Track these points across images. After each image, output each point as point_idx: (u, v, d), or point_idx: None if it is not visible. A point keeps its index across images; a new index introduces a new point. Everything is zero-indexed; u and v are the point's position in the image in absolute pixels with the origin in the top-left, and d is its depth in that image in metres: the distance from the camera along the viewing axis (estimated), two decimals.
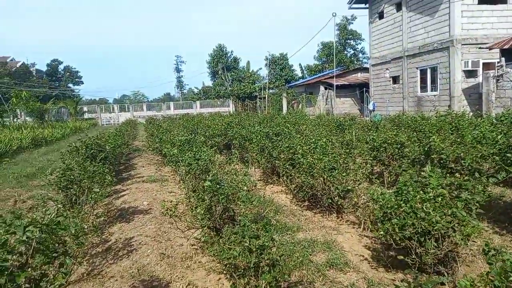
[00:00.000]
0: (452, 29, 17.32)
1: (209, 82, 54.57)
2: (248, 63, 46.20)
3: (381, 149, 7.14)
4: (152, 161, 11.41)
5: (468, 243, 3.49)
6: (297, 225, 5.11)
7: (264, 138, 8.10)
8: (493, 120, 9.01)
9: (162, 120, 21.71)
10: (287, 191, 7.00)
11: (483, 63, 16.85)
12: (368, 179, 6.98)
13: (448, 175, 4.33)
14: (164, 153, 8.01)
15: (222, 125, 11.67)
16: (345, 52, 42.57)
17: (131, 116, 40.16)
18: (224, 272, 3.26)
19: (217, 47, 53.88)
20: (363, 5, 25.23)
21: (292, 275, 3.54)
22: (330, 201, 5.43)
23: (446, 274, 3.47)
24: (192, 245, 4.50)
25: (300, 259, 3.27)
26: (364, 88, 27.89)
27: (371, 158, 7.44)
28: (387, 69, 22.97)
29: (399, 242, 3.39)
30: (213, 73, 53.69)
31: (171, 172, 9.14)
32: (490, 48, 15.90)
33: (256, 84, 42.47)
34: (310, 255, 4.07)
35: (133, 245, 4.67)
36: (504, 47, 14.95)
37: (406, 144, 6.96)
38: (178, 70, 68.73)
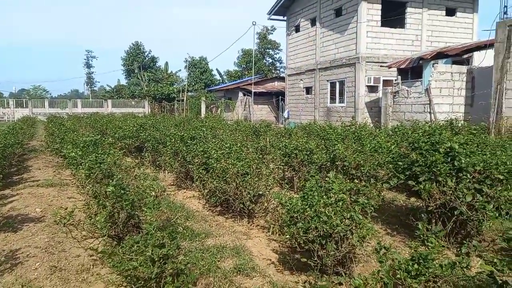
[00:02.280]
0: (358, 47, 18.97)
1: (123, 81, 51.75)
2: (167, 63, 44.95)
3: (292, 155, 7.43)
4: (51, 163, 10.31)
5: (364, 244, 3.76)
6: (207, 231, 5.02)
7: (178, 142, 7.86)
8: (389, 131, 10.03)
9: (66, 119, 19.87)
10: (200, 196, 6.88)
11: (383, 80, 18.76)
12: (279, 184, 7.21)
13: (349, 180, 4.66)
14: (64, 155, 7.29)
15: (134, 126, 11.07)
16: (264, 60, 43.89)
17: (30, 112, 36.09)
18: (124, 284, 3.03)
19: (133, 44, 51.50)
20: (281, 17, 26.32)
21: (198, 284, 3.43)
22: (242, 206, 5.45)
23: (344, 274, 3.70)
24: (90, 256, 4.12)
25: (207, 266, 3.19)
26: (280, 97, 29.04)
27: (283, 164, 7.71)
28: (301, 80, 24.22)
29: (303, 245, 3.51)
30: (128, 71, 51.08)
31: (71, 176, 8.36)
32: (389, 67, 17.78)
33: (174, 86, 41.42)
34: (219, 261, 4.01)
35: (19, 258, 4.11)
36: (401, 67, 16.83)
37: (315, 151, 7.34)
38: (88, 65, 63.92)
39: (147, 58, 51.85)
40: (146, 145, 9.58)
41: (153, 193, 3.88)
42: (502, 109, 11.72)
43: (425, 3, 19.67)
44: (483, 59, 14.45)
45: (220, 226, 5.41)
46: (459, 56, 15.38)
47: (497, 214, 4.02)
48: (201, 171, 6.17)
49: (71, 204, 5.88)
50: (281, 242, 4.67)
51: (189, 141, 7.70)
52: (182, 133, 8.04)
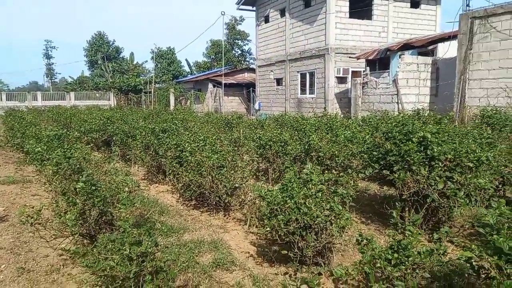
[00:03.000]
0: (327, 39, 19.15)
1: (87, 73, 49.72)
2: (132, 54, 43.48)
3: (267, 146, 7.40)
4: (11, 159, 9.73)
5: (343, 234, 3.79)
6: (183, 226, 4.90)
7: (149, 135, 7.62)
8: (359, 122, 10.22)
9: (27, 112, 18.83)
10: (173, 190, 6.72)
11: (352, 71, 19.07)
12: (254, 176, 7.16)
13: (325, 171, 4.67)
14: (27, 150, 6.87)
15: (101, 119, 10.64)
16: (233, 51, 43.45)
17: None
18: (99, 284, 2.88)
19: (96, 34, 49.54)
20: (250, 8, 26.07)
21: (177, 280, 3.34)
22: (218, 199, 5.37)
23: (323, 264, 3.71)
24: (60, 256, 3.91)
25: (186, 262, 3.10)
26: (251, 88, 28.92)
27: (258, 156, 7.66)
28: (271, 71, 24.20)
29: (283, 237, 3.48)
30: (91, 62, 49.15)
31: (35, 172, 7.91)
32: (357, 58, 18.08)
33: (141, 77, 40.22)
34: (197, 256, 3.93)
35: None
36: (369, 58, 17.17)
37: (289, 142, 7.35)
38: (48, 56, 60.74)
39: (111, 49, 50.01)
40: (114, 138, 9.24)
41: (126, 189, 3.71)
42: (465, 99, 12.23)
43: None
44: (447, 50, 14.99)
45: (196, 220, 5.31)
46: (424, 47, 15.88)
47: (467, 201, 4.17)
48: (174, 164, 6.01)
49: (36, 202, 5.57)
50: (259, 235, 4.64)
51: (160, 134, 7.48)
52: (153, 126, 7.80)
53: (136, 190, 4.14)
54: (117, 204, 3.63)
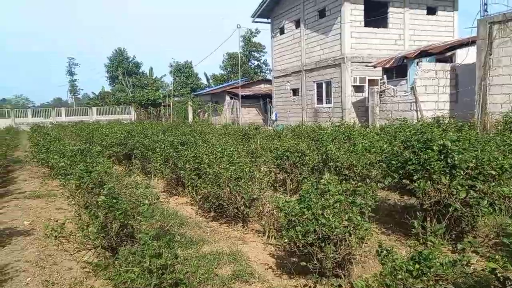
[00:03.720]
0: (343, 48, 19.12)
1: (108, 88, 51.09)
2: (151, 69, 44.57)
3: (284, 157, 7.40)
4: (36, 174, 10.06)
5: (362, 245, 3.74)
6: (202, 238, 4.94)
7: (168, 148, 7.75)
8: (378, 130, 10.10)
9: (51, 128, 19.46)
10: (192, 202, 6.78)
11: (369, 80, 18.94)
12: (272, 187, 7.16)
13: (343, 181, 4.64)
14: (51, 165, 7.10)
15: (121, 133, 10.89)
16: (249, 63, 43.92)
17: (12, 123, 35.28)
18: None
19: (116, 51, 50.96)
20: (265, 20, 26.37)
21: None
22: (236, 210, 5.39)
23: (343, 276, 3.67)
24: (83, 269, 3.99)
25: (205, 274, 3.12)
26: (268, 99, 29.06)
27: (275, 166, 7.67)
28: (288, 81, 24.29)
29: (302, 248, 3.47)
30: (112, 78, 50.52)
31: (59, 186, 8.15)
32: (374, 67, 17.95)
33: (160, 91, 41.07)
34: (216, 268, 3.94)
35: (9, 273, 3.96)
36: (386, 66, 17.02)
37: (306, 152, 7.33)
38: (71, 73, 62.76)
39: (131, 64, 51.32)
40: (135, 152, 9.43)
41: (147, 201, 3.79)
42: (486, 105, 11.94)
43: (406, 2, 19.96)
44: (465, 56, 14.72)
45: (215, 232, 5.34)
46: (442, 54, 15.64)
47: (491, 210, 4.06)
48: (193, 176, 6.09)
49: (60, 216, 5.74)
50: (278, 246, 4.62)
51: (179, 147, 7.60)
52: (172, 139, 7.93)
53: (156, 202, 4.21)
54: (137, 217, 3.70)
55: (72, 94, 65.08)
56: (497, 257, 2.55)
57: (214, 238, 5.02)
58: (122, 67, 48.50)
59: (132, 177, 5.40)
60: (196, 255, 4.24)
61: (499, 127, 8.90)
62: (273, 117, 25.61)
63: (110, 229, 3.72)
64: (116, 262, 2.81)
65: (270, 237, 4.91)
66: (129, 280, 2.61)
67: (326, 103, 20.88)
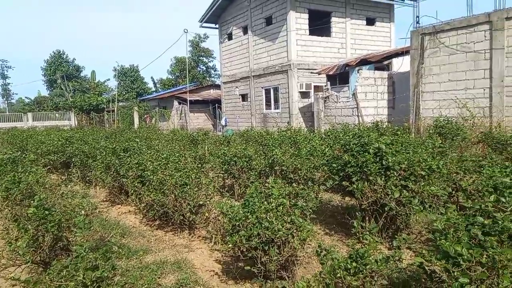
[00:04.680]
0: (289, 55, 19.64)
1: (45, 93, 47.91)
2: (94, 72, 42.45)
3: (232, 162, 7.41)
4: None
5: (305, 247, 3.84)
6: (146, 247, 4.78)
7: (110, 155, 7.42)
8: (322, 135, 10.48)
9: None
10: (136, 211, 6.54)
11: (315, 86, 19.61)
12: (220, 192, 7.13)
13: (288, 184, 4.75)
14: None
15: (59, 140, 10.24)
16: (198, 68, 43.52)
17: None
18: None
19: (55, 53, 48.05)
20: (213, 25, 26.34)
21: None
22: (182, 217, 5.29)
23: (287, 277, 3.74)
24: (13, 286, 3.68)
25: (146, 285, 3.02)
26: (217, 104, 28.97)
27: (223, 172, 7.65)
28: (236, 87, 24.41)
29: (246, 252, 3.48)
30: (50, 82, 47.50)
31: None
32: (319, 73, 18.63)
33: (103, 96, 39.27)
34: (159, 278, 3.83)
35: None
36: (329, 73, 17.74)
37: (254, 157, 7.40)
38: (3, 76, 58.09)
39: (71, 67, 48.62)
40: (73, 160, 8.91)
41: (83, 212, 3.59)
42: (419, 110, 12.87)
43: (347, 13, 21.01)
44: (401, 65, 15.79)
45: (160, 240, 5.19)
46: (380, 62, 16.64)
47: (421, 208, 4.36)
48: (136, 184, 5.88)
49: None
50: (224, 252, 4.60)
51: (122, 154, 7.31)
52: (114, 145, 7.61)
53: (94, 212, 4.01)
54: (73, 229, 3.49)
55: (4, 98, 60.15)
56: (424, 251, 2.74)
57: (158, 247, 4.89)
58: (61, 70, 45.77)
59: (69, 186, 5.08)
60: (139, 266, 4.09)
61: (430, 131, 9.62)
62: (223, 122, 25.57)
63: (42, 243, 3.47)
64: (47, 277, 2.62)
65: (217, 243, 4.88)
66: None
67: (275, 109, 21.27)
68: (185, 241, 5.14)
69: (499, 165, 5.25)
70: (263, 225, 3.44)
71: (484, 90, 11.39)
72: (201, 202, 5.39)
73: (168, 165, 5.79)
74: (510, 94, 10.78)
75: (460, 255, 2.34)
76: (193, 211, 5.30)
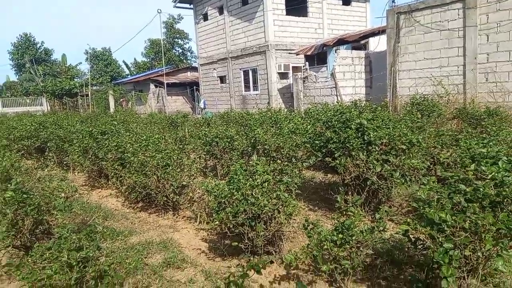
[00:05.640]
0: (267, 36, 19.42)
1: (14, 78, 45.83)
2: (64, 56, 40.83)
3: (213, 143, 7.36)
4: None
5: (291, 221, 3.88)
6: (130, 229, 4.72)
7: (87, 138, 7.21)
8: (302, 114, 10.52)
9: None
10: (117, 194, 6.43)
11: (293, 67, 19.54)
12: (202, 173, 7.08)
13: (271, 162, 4.76)
14: None
15: (32, 125, 9.86)
16: (173, 50, 42.47)
17: None
18: None
19: (22, 36, 45.79)
20: (187, 5, 25.62)
21: (125, 284, 3.20)
22: (166, 199, 5.23)
23: (274, 252, 3.78)
24: None
25: (133, 264, 2.98)
26: (195, 87, 28.53)
27: (205, 153, 7.59)
28: (214, 69, 24.04)
29: (233, 229, 3.48)
30: (18, 66, 45.41)
31: None
32: (296, 54, 18.55)
33: (76, 80, 37.92)
34: (145, 258, 3.80)
35: None
36: (307, 53, 17.70)
37: (235, 138, 7.37)
38: None
39: (39, 51, 46.52)
40: (49, 144, 8.61)
41: (63, 195, 3.48)
42: (396, 89, 13.08)
43: None
44: (377, 44, 15.91)
45: (144, 222, 5.14)
46: (357, 42, 16.71)
47: (403, 181, 4.47)
48: (116, 167, 5.76)
49: None
50: (210, 231, 4.60)
51: (99, 137, 7.11)
52: (91, 129, 7.39)
53: (74, 195, 3.90)
54: (53, 211, 3.39)
55: None
56: (408, 220, 2.81)
57: (143, 228, 4.84)
58: (29, 54, 43.73)
59: (46, 171, 4.91)
60: (124, 247, 4.04)
61: (407, 108, 9.81)
62: (202, 105, 25.25)
63: (22, 227, 3.36)
64: (30, 260, 2.54)
65: (202, 222, 4.87)
66: (46, 277, 2.38)
67: (254, 90, 21.13)
68: (170, 222, 5.10)
69: (475, 138, 5.43)
70: (249, 201, 3.44)
71: (458, 67, 11.66)
72: (184, 183, 5.34)
73: (149, 147, 5.69)
74: (483, 71, 11.08)
75: (444, 221, 2.41)
76: (177, 192, 5.25)
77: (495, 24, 10.69)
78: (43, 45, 47.22)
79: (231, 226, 3.44)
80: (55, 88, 34.63)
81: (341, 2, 21.57)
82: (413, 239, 2.91)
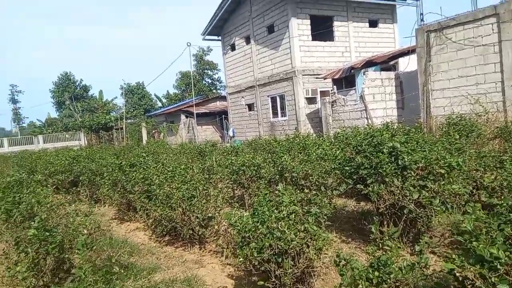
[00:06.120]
0: (293, 62, 19.50)
1: (55, 114, 48.57)
2: (101, 92, 42.96)
3: (240, 172, 7.21)
4: None
5: (321, 256, 3.60)
6: (154, 265, 4.58)
7: (116, 171, 7.29)
8: (331, 139, 10.23)
9: None
10: (145, 227, 6.37)
11: (321, 91, 19.38)
12: (229, 204, 6.92)
13: (299, 191, 4.52)
14: None
15: (66, 159, 10.17)
16: (203, 81, 43.71)
17: None
18: None
19: (62, 75, 48.80)
20: (216, 37, 26.42)
21: None
22: (191, 232, 5.09)
23: None
24: None
25: None
26: (224, 116, 28.92)
27: (231, 182, 7.45)
28: (242, 97, 24.33)
29: (258, 266, 3.26)
30: (59, 103, 48.18)
31: None
32: (324, 78, 18.42)
33: (111, 114, 39.59)
34: None
35: None
36: (335, 77, 17.52)
37: (262, 165, 7.19)
38: (14, 101, 59.16)
39: (78, 88, 49.28)
40: (81, 178, 8.80)
41: (85, 231, 3.41)
42: (430, 109, 12.55)
43: (349, 16, 20.86)
44: (407, 64, 15.50)
45: (169, 257, 4.99)
46: (386, 63, 16.38)
47: (443, 209, 4.09)
48: (143, 199, 5.71)
49: None
50: (236, 266, 4.38)
51: (128, 169, 7.16)
52: (120, 161, 7.48)
53: (99, 231, 3.83)
54: (75, 249, 3.31)
55: (16, 123, 61.16)
56: (454, 256, 2.49)
57: (168, 264, 4.68)
58: (68, 91, 46.39)
59: (73, 205, 4.93)
60: (147, 286, 3.88)
61: (444, 129, 9.30)
62: (231, 133, 25.44)
63: (43, 266, 3.29)
64: None
65: (228, 257, 4.66)
66: None
67: (282, 116, 21.08)
68: (195, 257, 4.93)
69: None
70: (274, 235, 3.22)
71: (496, 84, 11.05)
72: (210, 215, 5.19)
73: (175, 177, 5.62)
74: None
75: (497, 258, 2.08)
76: (203, 224, 5.11)
77: None
78: (81, 82, 50.02)
79: (256, 263, 3.21)
80: (92, 122, 36.25)
81: (367, 25, 21.45)
82: (460, 277, 2.56)
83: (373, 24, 21.70)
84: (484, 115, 10.67)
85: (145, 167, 6.88)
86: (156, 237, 5.83)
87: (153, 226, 5.61)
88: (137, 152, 12.29)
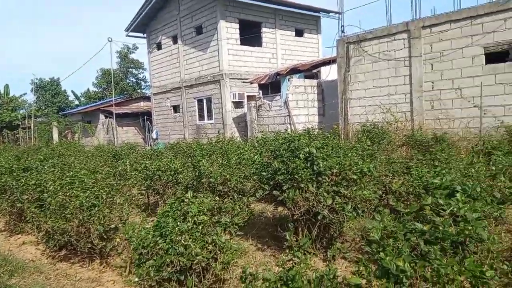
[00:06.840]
0: (221, 65, 19.25)
1: None
2: (7, 86, 38.30)
3: (155, 177, 6.70)
4: None
5: (231, 270, 3.32)
6: (40, 286, 3.90)
7: (6, 175, 6.28)
8: (255, 143, 10.12)
9: None
10: (38, 240, 5.53)
11: (248, 96, 19.39)
12: (143, 211, 6.35)
13: (218, 198, 4.20)
14: None
15: None
16: (127, 80, 41.36)
17: None
18: None
19: None
20: (141, 35, 25.11)
21: None
22: (90, 245, 4.48)
23: None
24: None
25: None
26: (146, 117, 27.57)
27: (145, 188, 6.90)
28: (167, 98, 23.40)
29: (157, 287, 2.86)
30: None
31: None
32: (251, 83, 18.47)
33: (18, 112, 35.47)
34: None
35: None
36: (261, 82, 17.64)
37: (180, 170, 6.77)
38: None
39: None
40: None
41: None
42: (348, 117, 13.17)
43: (277, 24, 21.28)
44: (329, 73, 16.17)
45: (62, 275, 4.32)
46: (309, 71, 16.92)
47: (355, 214, 4.09)
48: (33, 209, 4.92)
49: None
50: (140, 283, 3.90)
51: (21, 174, 6.21)
52: (11, 165, 6.47)
53: None
54: None
55: None
56: (361, 267, 2.37)
57: (58, 284, 4.03)
58: None
59: None
60: None
61: (359, 136, 9.74)
62: (154, 136, 24.29)
63: None
64: None
65: (131, 272, 4.15)
66: None
67: (208, 119, 20.65)
68: (94, 274, 4.34)
69: (426, 165, 5.23)
70: (177, 250, 2.85)
71: (405, 95, 11.94)
72: (113, 226, 4.62)
73: (74, 184, 4.93)
74: (428, 99, 11.41)
75: (403, 272, 1.98)
76: (105, 236, 4.53)
77: (438, 54, 11.13)
78: None
79: (154, 284, 2.81)
80: None
81: (294, 33, 22.08)
82: None
83: (299, 33, 22.41)
84: (394, 124, 11.47)
85: (39, 172, 6.01)
86: (50, 251, 5.07)
87: (44, 240, 4.86)
88: (44, 154, 10.94)
